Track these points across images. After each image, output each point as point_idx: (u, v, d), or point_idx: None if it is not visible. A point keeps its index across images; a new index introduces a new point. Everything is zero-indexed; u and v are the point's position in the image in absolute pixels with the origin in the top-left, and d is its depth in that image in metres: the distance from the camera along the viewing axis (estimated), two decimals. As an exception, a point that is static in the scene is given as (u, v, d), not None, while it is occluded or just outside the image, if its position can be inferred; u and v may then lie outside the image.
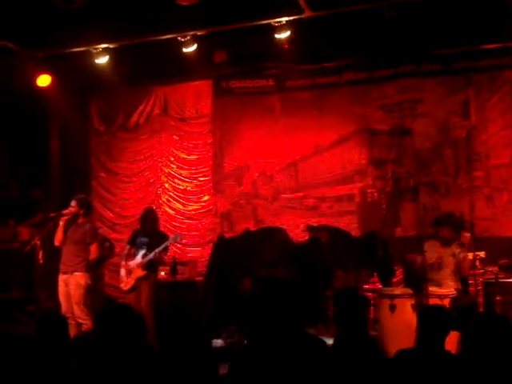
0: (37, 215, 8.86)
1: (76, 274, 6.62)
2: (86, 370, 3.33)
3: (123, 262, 7.27)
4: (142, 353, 3.21)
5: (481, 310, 6.20)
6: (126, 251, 7.42)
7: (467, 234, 6.39)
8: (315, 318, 7.05)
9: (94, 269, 7.02)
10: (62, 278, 6.69)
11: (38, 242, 6.91)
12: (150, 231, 7.26)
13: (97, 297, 7.36)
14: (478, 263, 6.36)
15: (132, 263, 7.16)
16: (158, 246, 7.08)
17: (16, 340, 3.70)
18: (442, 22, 7.67)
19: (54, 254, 6.97)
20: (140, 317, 3.46)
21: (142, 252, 7.13)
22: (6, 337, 3.76)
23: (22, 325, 6.38)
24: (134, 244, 7.31)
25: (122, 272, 7.23)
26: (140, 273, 7.07)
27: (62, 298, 6.68)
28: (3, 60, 8.32)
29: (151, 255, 7.03)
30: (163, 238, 7.32)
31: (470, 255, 6.24)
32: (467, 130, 8.38)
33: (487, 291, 6.58)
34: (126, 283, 7.15)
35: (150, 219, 7.38)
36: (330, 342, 4.17)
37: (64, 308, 6.60)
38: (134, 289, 7.12)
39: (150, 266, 7.12)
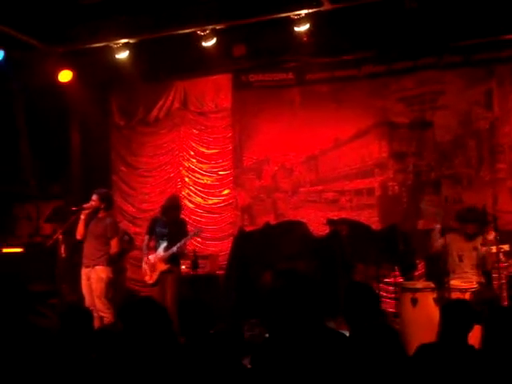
0: (53, 210, 8.96)
1: (97, 267, 6.68)
2: (106, 362, 3.35)
3: (145, 255, 7.28)
4: (166, 345, 3.22)
5: (505, 303, 6.13)
6: (145, 242, 7.40)
7: (492, 232, 6.31)
8: (335, 312, 7.02)
9: (115, 262, 7.06)
10: (84, 271, 6.76)
11: (60, 236, 6.96)
12: (171, 220, 7.23)
13: (118, 291, 7.41)
14: (501, 256, 6.28)
15: (154, 257, 7.15)
16: (178, 235, 7.08)
17: (39, 333, 3.73)
18: (463, 13, 7.56)
19: (76, 248, 7.03)
20: (164, 309, 3.47)
21: (163, 245, 7.12)
22: (29, 329, 3.80)
23: (44, 318, 6.44)
24: (153, 234, 7.30)
25: (145, 265, 7.25)
26: (163, 267, 7.07)
27: (85, 291, 6.75)
28: (24, 56, 8.40)
29: (174, 249, 7.02)
30: (183, 226, 7.30)
31: (494, 249, 6.17)
32: (490, 122, 8.28)
33: (511, 285, 6.51)
34: (150, 277, 7.17)
35: (175, 206, 7.34)
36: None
37: (87, 301, 6.67)
38: (157, 283, 7.15)
39: (173, 260, 7.12)
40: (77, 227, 6.85)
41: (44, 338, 3.50)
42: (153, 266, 7.14)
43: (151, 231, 7.34)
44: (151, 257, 7.18)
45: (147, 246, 7.37)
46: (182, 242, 7.05)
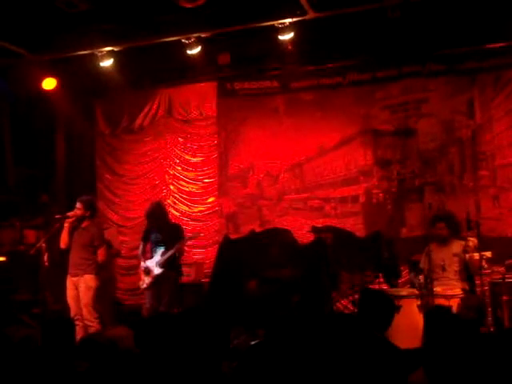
0: (40, 217, 8.88)
1: (86, 276, 6.62)
2: (94, 372, 3.32)
3: (142, 261, 7.28)
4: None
5: (488, 309, 6.18)
6: (140, 249, 7.42)
7: (472, 239, 6.36)
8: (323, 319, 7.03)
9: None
10: (71, 280, 6.67)
11: (44, 245, 6.90)
12: (162, 226, 7.23)
13: (106, 300, 7.37)
14: (484, 263, 6.33)
15: (150, 262, 7.16)
16: (173, 240, 7.06)
17: (22, 343, 3.70)
18: (446, 22, 7.66)
19: (60, 256, 6.98)
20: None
21: (160, 250, 7.12)
22: (12, 339, 3.76)
23: (27, 327, 6.38)
24: (148, 241, 7.30)
25: (140, 270, 7.27)
26: (159, 271, 7.07)
27: (70, 300, 6.67)
28: (9, 63, 8.36)
29: (170, 252, 7.01)
30: (177, 231, 7.29)
31: (477, 255, 6.22)
32: (472, 130, 8.36)
33: (494, 291, 6.56)
34: (144, 281, 7.17)
35: (156, 215, 7.33)
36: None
37: (73, 311, 6.60)
38: (151, 287, 7.12)
39: (170, 264, 7.11)
40: (60, 236, 6.78)
41: (18, 351, 3.45)
42: (148, 270, 7.13)
43: (145, 238, 7.36)
44: (148, 262, 7.18)
45: (143, 252, 7.37)
46: (179, 245, 7.04)
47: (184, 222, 9.63)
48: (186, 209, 9.72)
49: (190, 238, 7.83)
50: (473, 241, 6.29)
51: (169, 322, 3.41)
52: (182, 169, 9.80)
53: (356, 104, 8.90)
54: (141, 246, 7.43)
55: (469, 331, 3.25)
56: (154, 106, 9.88)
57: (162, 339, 3.25)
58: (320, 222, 8.70)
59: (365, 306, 3.65)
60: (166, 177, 9.88)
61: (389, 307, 3.63)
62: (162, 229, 7.22)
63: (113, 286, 8.20)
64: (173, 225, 7.57)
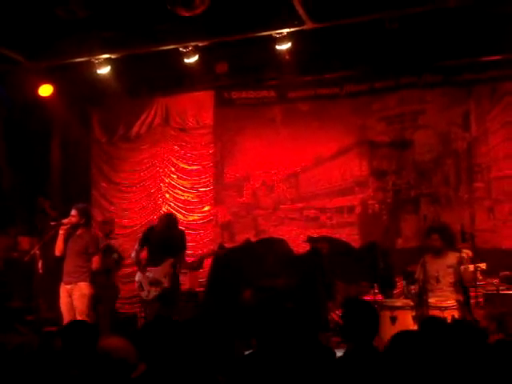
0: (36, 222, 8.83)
1: (80, 284, 6.56)
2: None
3: (140, 268, 7.20)
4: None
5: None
6: (136, 252, 7.30)
7: (466, 251, 6.37)
8: (316, 329, 7.01)
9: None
10: (64, 288, 6.61)
11: (38, 252, 6.85)
12: (169, 235, 7.22)
13: (103, 308, 7.30)
14: (479, 275, 6.32)
15: (157, 272, 7.08)
16: (178, 249, 7.09)
17: (16, 350, 3.66)
18: (444, 34, 7.69)
19: (54, 264, 6.92)
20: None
21: (169, 261, 7.05)
22: (6, 347, 3.73)
23: (20, 335, 6.32)
24: (146, 244, 7.24)
25: (142, 279, 7.15)
26: (167, 284, 7.01)
27: (63, 308, 6.59)
28: (5, 70, 8.35)
29: (179, 269, 7.05)
30: (181, 239, 7.29)
31: (471, 267, 6.22)
32: (468, 142, 8.39)
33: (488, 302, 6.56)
34: (150, 292, 7.08)
35: (166, 226, 7.30)
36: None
37: (66, 319, 6.54)
38: (158, 299, 7.04)
39: (176, 278, 7.09)
40: (55, 243, 6.73)
41: (13, 359, 3.41)
42: (156, 282, 7.04)
43: (144, 242, 7.28)
44: (155, 272, 7.07)
45: (137, 256, 7.28)
46: (199, 260, 7.34)
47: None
48: (181, 217, 9.65)
49: (209, 255, 7.86)
50: (467, 253, 6.29)
51: (175, 329, 3.39)
52: (178, 177, 9.80)
53: (353, 115, 8.93)
54: (136, 250, 7.32)
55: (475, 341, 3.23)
56: (151, 114, 9.89)
57: (167, 345, 3.22)
58: (315, 232, 8.68)
59: (348, 316, 3.64)
60: (162, 185, 9.87)
61: (372, 315, 3.62)
62: (169, 236, 7.19)
63: (114, 295, 8.06)
64: (178, 233, 7.52)
